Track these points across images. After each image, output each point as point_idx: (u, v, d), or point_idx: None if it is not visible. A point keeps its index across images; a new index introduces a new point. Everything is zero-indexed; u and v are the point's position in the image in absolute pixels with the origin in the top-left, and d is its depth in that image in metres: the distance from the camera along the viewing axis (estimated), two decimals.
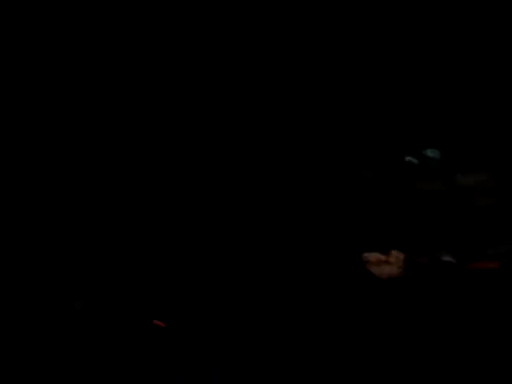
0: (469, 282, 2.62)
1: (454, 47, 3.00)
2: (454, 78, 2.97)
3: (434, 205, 2.83)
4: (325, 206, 2.91)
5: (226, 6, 3.10)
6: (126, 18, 3.20)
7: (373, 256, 2.75)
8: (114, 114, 3.24)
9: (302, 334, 2.64)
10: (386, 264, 2.72)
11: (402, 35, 3.05)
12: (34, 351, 2.71)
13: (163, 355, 2.68)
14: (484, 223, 2.73)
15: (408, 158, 2.91)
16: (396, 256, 2.74)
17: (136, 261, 3.00)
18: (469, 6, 2.94)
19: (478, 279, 2.61)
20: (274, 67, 3.16)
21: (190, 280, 2.92)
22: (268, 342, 2.64)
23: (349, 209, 2.91)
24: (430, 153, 2.90)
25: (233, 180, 3.06)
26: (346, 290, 2.72)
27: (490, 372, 2.41)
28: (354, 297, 2.68)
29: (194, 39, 3.20)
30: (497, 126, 2.88)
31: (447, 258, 2.70)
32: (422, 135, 2.96)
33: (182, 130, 3.17)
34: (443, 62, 2.99)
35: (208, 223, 3.02)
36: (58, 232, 3.12)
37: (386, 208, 2.89)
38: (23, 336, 2.76)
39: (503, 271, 2.56)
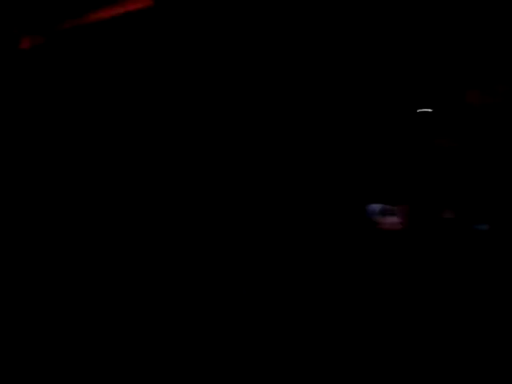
0: (467, 240, 2.68)
1: None
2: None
3: (446, 162, 2.86)
4: (334, 155, 2.97)
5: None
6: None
7: (378, 207, 2.85)
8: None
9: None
10: (391, 215, 2.82)
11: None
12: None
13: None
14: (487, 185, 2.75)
15: (422, 113, 2.93)
16: (401, 208, 2.83)
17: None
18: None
19: (475, 238, 2.66)
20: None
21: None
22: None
23: (359, 160, 2.97)
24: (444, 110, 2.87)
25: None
26: (348, 239, 2.79)
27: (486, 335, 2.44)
28: (357, 246, 2.76)
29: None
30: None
31: (449, 215, 2.75)
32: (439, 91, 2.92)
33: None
34: None
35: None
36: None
37: (396, 161, 2.94)
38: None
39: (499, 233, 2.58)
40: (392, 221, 2.82)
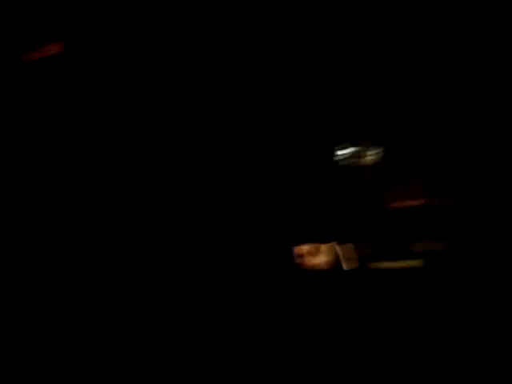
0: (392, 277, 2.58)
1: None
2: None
3: (365, 197, 2.84)
4: (259, 201, 2.94)
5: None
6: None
7: (304, 248, 2.78)
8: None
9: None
10: (317, 255, 2.75)
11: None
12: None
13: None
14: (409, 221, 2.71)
15: (342, 151, 2.96)
16: (327, 247, 2.76)
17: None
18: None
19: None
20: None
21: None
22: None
23: (283, 202, 2.93)
24: (365, 146, 2.93)
25: None
26: (276, 282, 2.71)
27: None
28: (285, 288, 2.68)
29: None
30: (429, 125, 2.84)
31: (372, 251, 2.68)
32: (360, 129, 2.97)
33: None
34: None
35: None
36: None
37: (318, 200, 2.89)
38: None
39: (427, 269, 2.52)
40: (319, 260, 2.75)
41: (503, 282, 2.40)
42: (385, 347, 2.42)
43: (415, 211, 2.72)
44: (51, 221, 3.27)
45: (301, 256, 2.79)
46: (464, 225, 2.63)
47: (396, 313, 2.49)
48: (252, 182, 3.01)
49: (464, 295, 2.43)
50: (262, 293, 2.73)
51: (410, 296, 2.50)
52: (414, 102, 2.93)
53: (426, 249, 2.62)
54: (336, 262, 2.73)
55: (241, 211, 2.96)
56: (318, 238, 2.81)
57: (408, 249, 2.67)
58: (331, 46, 3.07)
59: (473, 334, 2.33)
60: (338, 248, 2.76)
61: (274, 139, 3.07)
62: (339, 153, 2.96)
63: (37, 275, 3.12)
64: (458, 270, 2.52)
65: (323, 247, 2.76)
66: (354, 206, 2.87)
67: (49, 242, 3.22)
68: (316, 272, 2.71)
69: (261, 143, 3.09)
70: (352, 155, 2.94)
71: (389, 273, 2.58)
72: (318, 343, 2.53)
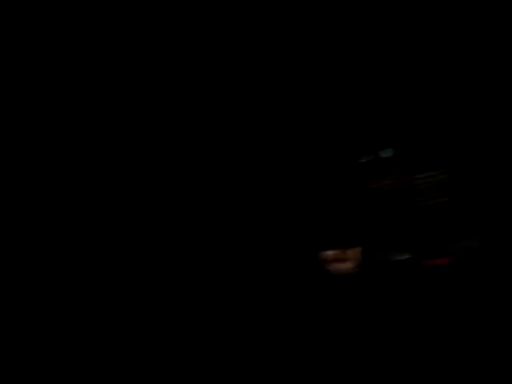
0: (423, 278, 2.64)
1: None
2: (408, 78, 2.99)
3: (390, 203, 2.89)
4: (284, 207, 2.98)
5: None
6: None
7: (330, 253, 2.82)
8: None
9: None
10: (343, 261, 2.79)
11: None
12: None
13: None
14: (439, 220, 2.76)
15: (363, 159, 3.01)
16: (352, 253, 2.80)
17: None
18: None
19: (432, 275, 2.62)
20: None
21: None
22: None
23: (308, 209, 2.97)
24: (385, 153, 2.98)
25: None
26: (304, 287, 2.75)
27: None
28: (312, 293, 2.72)
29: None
30: (450, 125, 2.92)
31: (402, 256, 2.74)
32: (377, 135, 3.02)
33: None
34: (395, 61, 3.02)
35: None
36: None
37: (344, 207, 2.94)
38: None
39: (457, 266, 2.59)
40: (345, 266, 2.79)
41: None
42: (421, 346, 2.49)
43: (441, 211, 2.77)
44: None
45: (327, 261, 2.84)
46: (491, 223, 2.70)
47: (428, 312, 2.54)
48: (277, 187, 3.04)
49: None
50: (289, 297, 2.78)
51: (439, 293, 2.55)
52: (427, 109, 2.99)
53: (455, 248, 2.69)
54: (361, 267, 2.79)
55: (265, 216, 2.99)
56: (342, 243, 2.87)
57: (437, 248, 2.73)
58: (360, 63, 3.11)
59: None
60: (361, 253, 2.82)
61: (300, 144, 3.11)
62: (363, 159, 3.02)
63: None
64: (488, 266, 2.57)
65: (349, 252, 2.82)
66: (378, 211, 2.92)
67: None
68: (344, 277, 2.77)
69: (287, 148, 3.11)
70: (374, 161, 2.99)
71: (418, 272, 2.64)
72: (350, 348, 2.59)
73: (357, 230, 2.90)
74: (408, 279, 2.67)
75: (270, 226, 2.98)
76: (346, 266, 2.80)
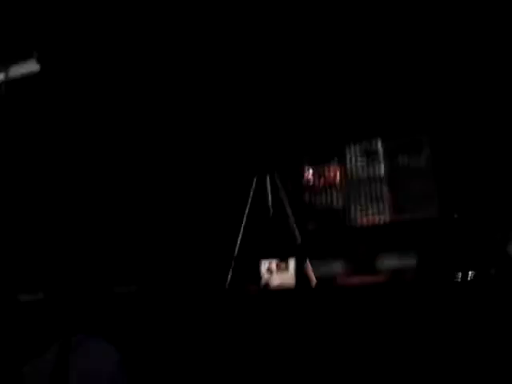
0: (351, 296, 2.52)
1: None
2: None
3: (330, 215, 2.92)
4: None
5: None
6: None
7: (271, 263, 2.81)
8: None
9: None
10: (284, 271, 2.75)
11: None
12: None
13: None
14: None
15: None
16: (289, 264, 2.76)
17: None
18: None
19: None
20: None
21: None
22: None
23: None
24: None
25: None
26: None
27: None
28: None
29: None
30: None
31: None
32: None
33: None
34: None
35: None
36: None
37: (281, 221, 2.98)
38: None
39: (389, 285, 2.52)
40: (283, 277, 2.76)
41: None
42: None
43: (382, 228, 2.72)
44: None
45: (267, 272, 2.84)
46: (433, 240, 2.64)
47: (364, 328, 2.46)
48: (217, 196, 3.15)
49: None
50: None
51: (376, 311, 2.47)
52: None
53: (393, 265, 2.65)
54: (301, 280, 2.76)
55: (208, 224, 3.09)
56: (282, 254, 2.86)
57: (374, 265, 2.68)
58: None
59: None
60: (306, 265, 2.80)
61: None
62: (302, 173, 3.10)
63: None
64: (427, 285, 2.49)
65: (290, 263, 2.79)
66: (319, 223, 2.93)
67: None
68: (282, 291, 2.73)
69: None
70: (314, 174, 3.04)
71: (356, 290, 2.56)
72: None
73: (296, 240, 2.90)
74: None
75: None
76: (285, 277, 2.76)
